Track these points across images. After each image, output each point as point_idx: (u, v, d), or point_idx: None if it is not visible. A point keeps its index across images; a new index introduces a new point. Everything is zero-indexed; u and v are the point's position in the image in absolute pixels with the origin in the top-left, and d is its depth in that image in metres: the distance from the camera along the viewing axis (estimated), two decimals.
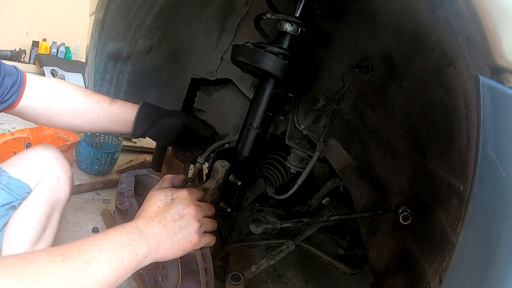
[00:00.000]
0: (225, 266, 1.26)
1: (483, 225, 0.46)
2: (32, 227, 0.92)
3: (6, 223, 0.90)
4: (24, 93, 0.89)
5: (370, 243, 0.97)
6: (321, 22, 0.96)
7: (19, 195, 0.92)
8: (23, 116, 0.94)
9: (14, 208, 0.93)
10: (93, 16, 1.17)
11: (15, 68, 0.90)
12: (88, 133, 2.13)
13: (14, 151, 1.78)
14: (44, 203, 0.96)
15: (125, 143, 2.31)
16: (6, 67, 0.87)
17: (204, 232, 0.79)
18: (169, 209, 0.73)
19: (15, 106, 0.89)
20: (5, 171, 0.93)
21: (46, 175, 0.97)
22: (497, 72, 0.44)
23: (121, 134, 1.12)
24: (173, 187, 0.86)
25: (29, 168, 0.95)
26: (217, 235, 0.90)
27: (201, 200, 0.81)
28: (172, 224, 0.72)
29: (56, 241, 1.04)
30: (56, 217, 1.02)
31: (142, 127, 0.98)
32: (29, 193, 0.94)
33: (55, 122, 0.97)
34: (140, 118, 0.98)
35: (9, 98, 0.87)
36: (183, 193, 0.76)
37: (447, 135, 0.62)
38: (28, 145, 1.82)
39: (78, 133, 2.04)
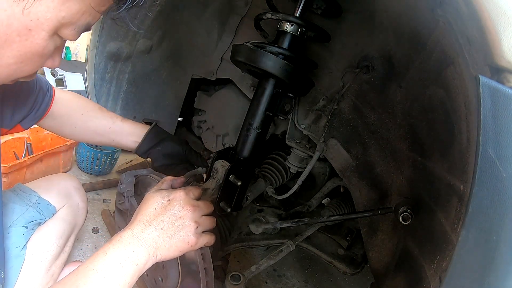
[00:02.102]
0: (225, 266, 1.26)
1: (483, 225, 0.46)
2: (54, 243, 1.03)
3: (31, 236, 0.98)
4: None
5: (370, 243, 0.97)
6: (321, 22, 0.96)
7: (46, 214, 1.02)
8: (40, 125, 0.99)
9: (40, 224, 1.01)
10: None
11: (47, 82, 0.95)
12: None
13: (14, 151, 1.78)
14: (67, 224, 1.07)
15: None
16: (41, 82, 0.93)
17: (203, 231, 0.79)
18: (166, 211, 0.73)
19: (42, 119, 0.95)
20: (34, 191, 1.02)
21: (69, 201, 1.10)
22: (497, 72, 0.44)
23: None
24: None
25: (56, 193, 1.06)
26: (217, 235, 0.90)
27: (198, 198, 0.81)
28: (169, 226, 0.72)
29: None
30: (72, 238, 1.13)
31: (148, 143, 1.03)
32: (54, 214, 1.05)
33: (68, 133, 1.04)
34: (148, 137, 1.03)
35: (40, 113, 0.93)
36: (179, 194, 0.76)
37: (447, 135, 0.62)
38: (28, 145, 1.83)
39: None
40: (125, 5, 0.54)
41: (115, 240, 0.67)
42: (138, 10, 1.10)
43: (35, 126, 0.97)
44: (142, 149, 1.02)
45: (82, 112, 1.01)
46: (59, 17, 0.50)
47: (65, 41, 0.58)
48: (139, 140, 1.03)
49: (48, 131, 1.93)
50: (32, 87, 0.90)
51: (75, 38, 0.55)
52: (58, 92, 0.98)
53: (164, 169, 1.04)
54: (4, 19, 0.47)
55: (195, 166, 1.04)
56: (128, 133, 1.04)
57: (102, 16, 0.58)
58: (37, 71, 0.59)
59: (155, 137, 1.03)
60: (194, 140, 1.63)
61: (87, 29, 0.56)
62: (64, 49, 0.62)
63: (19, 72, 0.55)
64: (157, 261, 0.70)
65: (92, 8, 0.52)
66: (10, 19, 0.47)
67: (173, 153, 1.04)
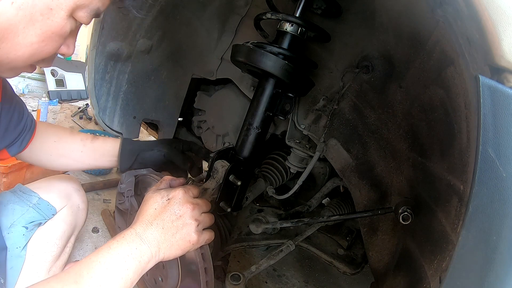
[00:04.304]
0: (225, 266, 1.26)
1: (483, 225, 0.46)
2: (55, 243, 1.03)
3: (31, 236, 0.98)
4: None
5: (370, 243, 0.97)
6: (321, 22, 0.96)
7: (46, 215, 1.02)
8: (21, 158, 1.00)
9: (40, 225, 1.01)
10: None
11: (31, 114, 0.97)
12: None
13: None
14: (68, 225, 1.08)
15: None
16: (28, 112, 0.94)
17: (203, 229, 0.79)
18: (166, 210, 0.74)
19: (25, 149, 0.95)
20: (35, 192, 1.03)
21: (70, 202, 1.10)
22: (497, 72, 0.44)
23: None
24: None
25: (57, 194, 1.07)
26: (217, 235, 0.90)
27: (197, 196, 0.81)
28: (170, 225, 0.72)
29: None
30: (72, 239, 1.14)
31: (127, 162, 1.03)
32: (54, 214, 1.05)
33: (45, 162, 1.04)
34: (123, 155, 1.03)
35: (25, 142, 0.94)
36: (178, 193, 0.76)
37: (447, 135, 0.62)
38: None
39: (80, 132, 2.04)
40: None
41: (119, 237, 0.68)
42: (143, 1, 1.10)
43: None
44: (123, 168, 1.04)
45: (55, 139, 1.02)
46: None
47: (79, 26, 0.64)
48: (113, 158, 1.05)
49: None
50: (23, 108, 0.92)
51: (87, 21, 0.62)
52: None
53: (160, 171, 1.05)
54: (30, 0, 0.53)
55: (181, 167, 1.05)
56: (101, 154, 1.05)
57: (102, 16, 0.61)
58: (54, 56, 0.64)
59: (131, 153, 1.04)
60: (194, 140, 1.64)
61: (97, 15, 0.62)
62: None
63: (40, 52, 0.59)
64: (159, 260, 0.71)
65: None
66: (35, 0, 0.53)
67: (155, 160, 1.05)
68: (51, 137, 1.02)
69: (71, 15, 0.59)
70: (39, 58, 0.61)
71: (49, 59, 0.64)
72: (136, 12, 0.67)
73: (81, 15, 0.60)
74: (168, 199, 0.75)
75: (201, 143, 1.55)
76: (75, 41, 0.67)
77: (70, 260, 1.18)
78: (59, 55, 0.66)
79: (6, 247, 0.93)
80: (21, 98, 0.96)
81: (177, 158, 1.06)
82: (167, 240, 0.71)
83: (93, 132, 2.36)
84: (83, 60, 4.29)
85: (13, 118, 0.88)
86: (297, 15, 0.89)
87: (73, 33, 0.64)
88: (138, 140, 1.13)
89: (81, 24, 0.63)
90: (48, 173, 1.65)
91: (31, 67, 0.64)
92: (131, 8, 0.66)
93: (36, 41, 0.57)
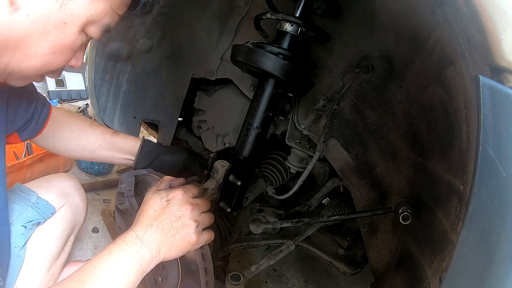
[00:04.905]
0: (225, 266, 1.26)
1: (483, 225, 0.46)
2: (54, 242, 1.03)
3: (30, 236, 0.98)
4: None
5: (370, 243, 0.97)
6: (321, 22, 0.96)
7: (45, 214, 1.02)
8: (36, 142, 1.01)
9: (39, 224, 1.01)
10: None
11: (45, 98, 0.98)
12: None
13: (14, 151, 1.78)
14: (67, 224, 1.08)
15: None
16: (40, 95, 0.95)
17: (203, 229, 0.79)
18: (165, 212, 0.74)
19: (39, 134, 0.96)
20: (34, 191, 1.02)
21: (69, 201, 1.09)
22: (497, 72, 0.44)
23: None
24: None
25: (55, 193, 1.06)
26: (217, 235, 0.90)
27: (197, 196, 0.81)
28: (169, 226, 0.73)
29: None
30: (72, 238, 1.13)
31: (143, 163, 1.04)
32: (53, 213, 1.04)
33: (61, 150, 1.05)
34: (142, 155, 1.04)
35: (39, 126, 0.95)
36: (177, 193, 0.77)
37: (447, 135, 0.62)
38: (28, 145, 1.83)
39: None
40: (135, 10, 0.63)
41: (120, 240, 0.69)
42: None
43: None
44: (139, 167, 1.04)
45: (74, 129, 1.03)
46: (87, 14, 0.58)
47: (88, 40, 0.65)
48: (130, 157, 1.05)
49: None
50: (34, 93, 0.92)
51: (98, 36, 0.63)
52: (52, 109, 1.00)
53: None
54: (45, 13, 0.54)
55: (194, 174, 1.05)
56: (119, 150, 1.05)
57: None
58: (63, 68, 0.65)
59: (149, 155, 1.04)
60: (194, 140, 1.63)
61: (107, 30, 0.64)
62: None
63: (50, 64, 0.60)
64: (160, 261, 0.71)
65: (113, 10, 0.61)
66: (50, 13, 0.54)
67: (171, 166, 1.06)
68: (70, 127, 1.02)
69: (83, 30, 0.60)
70: (49, 69, 0.62)
71: (58, 71, 0.65)
72: (139, 21, 0.71)
73: (92, 30, 0.61)
74: (168, 200, 0.75)
75: (201, 143, 1.55)
76: (84, 54, 0.69)
77: (69, 259, 1.18)
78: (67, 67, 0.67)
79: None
80: None
81: (195, 166, 1.07)
82: (167, 241, 0.72)
83: None
84: (83, 60, 4.28)
85: (22, 103, 0.88)
86: (297, 15, 0.89)
87: (83, 46, 0.65)
88: (159, 143, 1.14)
89: (90, 38, 0.64)
90: (48, 173, 1.65)
91: (40, 77, 0.65)
92: (131, 19, 0.70)
93: (47, 53, 0.58)
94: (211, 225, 0.82)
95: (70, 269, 1.11)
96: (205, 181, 0.94)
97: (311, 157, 1.10)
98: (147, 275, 1.01)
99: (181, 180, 0.88)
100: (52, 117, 0.98)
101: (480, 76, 0.44)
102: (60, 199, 1.07)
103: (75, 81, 3.87)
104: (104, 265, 0.64)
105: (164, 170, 1.04)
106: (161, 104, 1.43)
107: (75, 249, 1.43)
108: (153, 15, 1.20)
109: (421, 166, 0.76)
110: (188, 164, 1.06)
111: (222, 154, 0.97)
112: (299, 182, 1.13)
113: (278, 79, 0.89)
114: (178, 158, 1.06)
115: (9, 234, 0.89)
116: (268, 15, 0.88)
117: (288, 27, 0.88)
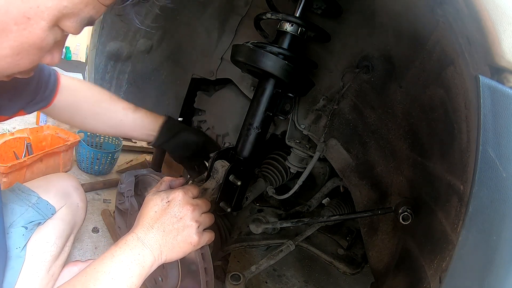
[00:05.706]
0: (225, 266, 1.26)
1: (483, 225, 0.46)
2: (54, 243, 1.02)
3: (30, 236, 0.97)
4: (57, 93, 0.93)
5: (370, 243, 0.97)
6: (321, 22, 0.96)
7: (46, 214, 1.01)
8: (49, 114, 0.98)
9: (39, 224, 1.00)
10: None
11: (50, 68, 0.92)
12: (89, 133, 2.13)
13: (14, 151, 1.78)
14: (67, 224, 1.07)
15: (125, 143, 2.31)
16: (43, 68, 0.90)
17: (204, 229, 0.79)
18: (166, 213, 0.74)
19: (49, 106, 0.93)
20: (34, 191, 1.01)
21: (69, 201, 1.09)
22: (497, 72, 0.44)
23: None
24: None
25: (55, 193, 1.05)
26: (217, 235, 0.90)
27: (197, 196, 0.81)
28: (170, 228, 0.72)
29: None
30: (71, 238, 1.13)
31: (164, 137, 1.03)
32: (53, 214, 1.04)
33: (79, 123, 1.03)
34: (164, 129, 1.03)
35: (46, 98, 0.91)
36: (178, 194, 0.76)
37: (447, 135, 0.62)
38: (28, 145, 1.83)
39: (78, 132, 2.04)
40: (128, 1, 0.52)
41: (121, 243, 0.68)
42: (143, 7, 1.11)
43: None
44: (158, 142, 1.03)
45: (93, 102, 0.98)
46: (60, 6, 0.46)
47: (66, 36, 0.54)
48: (152, 133, 1.03)
49: (48, 131, 1.94)
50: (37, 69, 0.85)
51: (77, 32, 0.51)
52: (66, 80, 0.95)
53: (181, 160, 1.05)
54: (3, 6, 0.43)
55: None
56: (141, 126, 1.03)
57: (102, 16, 0.57)
58: (35, 67, 0.55)
59: (170, 130, 1.03)
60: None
61: (89, 23, 0.52)
62: (64, 48, 0.59)
63: (15, 66, 0.50)
64: (162, 263, 0.71)
65: (97, 0, 0.49)
66: (9, 6, 0.43)
67: (189, 144, 1.05)
68: (88, 100, 0.98)
69: (56, 25, 0.49)
70: (15, 71, 0.53)
71: (28, 71, 0.55)
72: (137, 22, 0.60)
73: (68, 25, 0.49)
74: (168, 201, 0.75)
75: None
76: (62, 50, 0.58)
77: (69, 259, 1.18)
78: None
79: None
80: None
81: (213, 147, 1.07)
82: (169, 243, 0.71)
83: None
84: (83, 60, 4.29)
85: (19, 83, 0.83)
86: (297, 15, 0.89)
87: (59, 43, 0.54)
88: (182, 122, 1.13)
89: (68, 34, 0.53)
90: (48, 173, 1.65)
91: (7, 77, 0.56)
92: (132, 16, 0.59)
93: (10, 55, 0.48)
94: (211, 225, 0.82)
95: (70, 269, 1.11)
96: (205, 181, 0.94)
97: (311, 157, 1.10)
98: None
99: (181, 180, 0.88)
100: (65, 88, 0.93)
101: (480, 76, 0.44)
102: (60, 199, 1.07)
103: None
104: (107, 269, 0.64)
105: (181, 147, 1.04)
106: (161, 104, 1.43)
107: (75, 249, 1.43)
108: (153, 15, 1.20)
109: (421, 166, 0.76)
110: (207, 144, 1.07)
111: (222, 154, 0.97)
112: (299, 182, 1.13)
113: (278, 79, 0.89)
114: (199, 137, 1.06)
115: (4, 236, 0.88)
116: (268, 15, 0.88)
117: (288, 27, 0.88)
